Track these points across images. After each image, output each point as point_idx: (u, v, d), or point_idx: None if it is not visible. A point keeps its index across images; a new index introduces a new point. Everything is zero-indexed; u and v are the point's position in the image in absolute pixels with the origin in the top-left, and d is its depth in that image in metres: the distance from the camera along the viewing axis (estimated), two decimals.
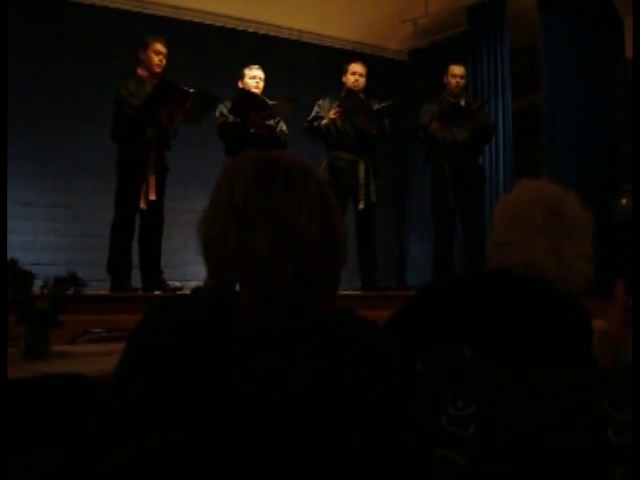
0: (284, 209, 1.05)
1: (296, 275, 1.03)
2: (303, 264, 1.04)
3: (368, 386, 1.03)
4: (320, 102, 5.09)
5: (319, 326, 1.05)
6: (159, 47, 4.46)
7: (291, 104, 4.78)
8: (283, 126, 4.94)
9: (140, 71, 4.50)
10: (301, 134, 5.04)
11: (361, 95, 5.06)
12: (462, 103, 5.22)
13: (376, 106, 4.96)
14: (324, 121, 4.97)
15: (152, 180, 4.40)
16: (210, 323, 1.05)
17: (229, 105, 4.77)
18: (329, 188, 1.13)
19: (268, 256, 1.02)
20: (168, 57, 4.52)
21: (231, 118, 4.75)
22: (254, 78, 4.80)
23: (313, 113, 5.06)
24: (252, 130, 4.76)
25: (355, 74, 5.06)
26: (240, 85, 4.86)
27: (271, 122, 4.85)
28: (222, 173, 1.12)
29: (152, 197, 4.39)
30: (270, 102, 4.67)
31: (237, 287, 1.07)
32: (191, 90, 4.37)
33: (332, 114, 4.92)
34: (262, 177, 1.07)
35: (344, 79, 5.10)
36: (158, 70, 4.48)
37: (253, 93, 4.76)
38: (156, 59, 4.45)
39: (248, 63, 4.91)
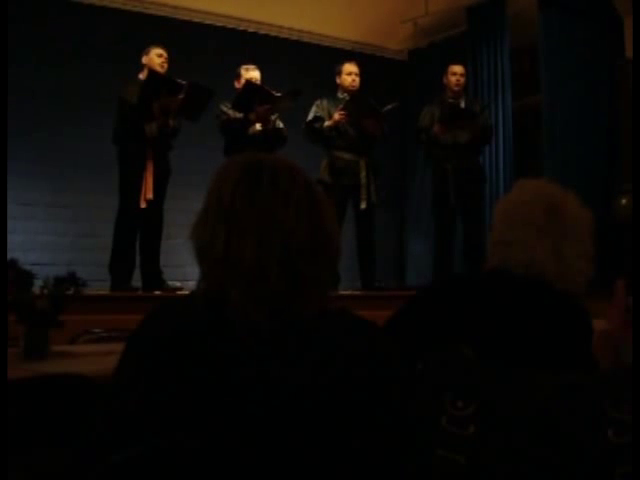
0: (271, 210, 1.05)
1: (285, 275, 1.03)
2: (291, 264, 1.04)
3: (366, 385, 1.03)
4: (318, 102, 5.07)
5: (315, 325, 1.05)
6: (161, 51, 4.60)
7: (294, 97, 4.77)
8: (280, 123, 4.94)
9: (142, 76, 4.58)
10: (298, 134, 5.03)
11: (359, 96, 5.05)
12: (462, 104, 5.22)
13: (384, 109, 4.95)
14: (327, 123, 4.95)
15: (149, 179, 4.42)
16: (206, 324, 1.05)
17: (229, 105, 4.77)
18: (317, 187, 1.14)
19: (256, 257, 1.03)
20: (169, 61, 4.60)
21: (231, 113, 4.75)
22: (250, 79, 4.79)
23: (312, 114, 5.03)
24: (257, 125, 4.75)
25: (351, 74, 5.06)
26: (237, 85, 4.86)
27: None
28: (212, 177, 1.13)
29: (149, 196, 4.41)
30: (275, 94, 4.67)
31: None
32: (182, 82, 4.41)
33: (337, 117, 4.90)
34: (248, 179, 1.08)
35: (339, 80, 5.10)
36: (160, 71, 4.53)
37: (258, 84, 4.76)
38: (158, 61, 4.56)
39: (247, 63, 4.91)
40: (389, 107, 4.97)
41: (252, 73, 4.84)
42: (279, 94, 4.68)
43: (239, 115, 4.74)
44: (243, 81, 4.79)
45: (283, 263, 1.03)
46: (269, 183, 1.07)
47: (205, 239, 1.07)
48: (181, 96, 4.40)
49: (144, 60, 4.60)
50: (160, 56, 4.57)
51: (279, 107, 4.77)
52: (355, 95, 5.03)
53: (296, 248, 1.04)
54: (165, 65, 4.58)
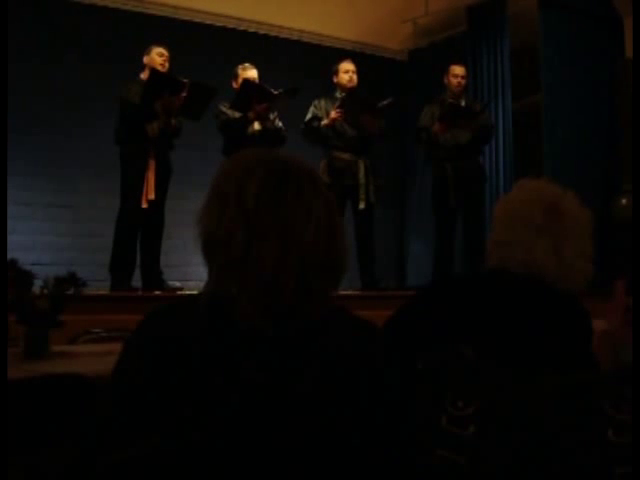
0: (294, 221, 1.02)
1: (298, 288, 1.01)
2: (305, 278, 1.02)
3: (366, 386, 1.03)
4: (316, 102, 5.07)
5: (315, 327, 1.05)
6: (162, 50, 4.62)
7: (292, 95, 4.77)
8: (279, 123, 4.94)
9: (143, 75, 4.59)
10: (298, 134, 5.03)
11: (354, 93, 5.04)
12: (462, 104, 5.22)
13: (380, 104, 4.95)
14: (324, 122, 4.95)
15: (151, 179, 4.43)
16: (209, 327, 1.04)
17: (228, 105, 4.77)
18: (333, 197, 1.11)
19: (274, 267, 1.00)
20: (170, 61, 4.62)
21: (230, 113, 4.75)
22: (248, 78, 4.78)
23: (310, 114, 5.03)
24: (256, 125, 4.75)
25: (348, 72, 5.06)
26: (234, 85, 4.86)
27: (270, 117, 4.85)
28: (228, 169, 1.08)
29: (150, 196, 4.41)
30: (273, 92, 4.67)
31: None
32: (184, 80, 4.41)
33: (333, 114, 4.90)
34: (275, 182, 1.04)
35: (336, 80, 5.09)
36: (162, 70, 4.55)
37: (256, 83, 4.76)
38: (159, 60, 4.58)
39: (244, 62, 4.91)
40: (385, 102, 4.97)
41: (249, 72, 4.84)
42: (277, 92, 4.68)
43: (238, 115, 4.74)
44: (241, 80, 4.79)
45: (299, 276, 1.01)
46: (294, 191, 1.04)
47: (219, 235, 1.03)
48: (183, 94, 4.41)
49: (145, 60, 4.61)
50: (161, 55, 4.59)
51: (277, 105, 4.77)
52: (350, 92, 5.02)
53: (311, 264, 1.02)
54: (166, 64, 4.60)
